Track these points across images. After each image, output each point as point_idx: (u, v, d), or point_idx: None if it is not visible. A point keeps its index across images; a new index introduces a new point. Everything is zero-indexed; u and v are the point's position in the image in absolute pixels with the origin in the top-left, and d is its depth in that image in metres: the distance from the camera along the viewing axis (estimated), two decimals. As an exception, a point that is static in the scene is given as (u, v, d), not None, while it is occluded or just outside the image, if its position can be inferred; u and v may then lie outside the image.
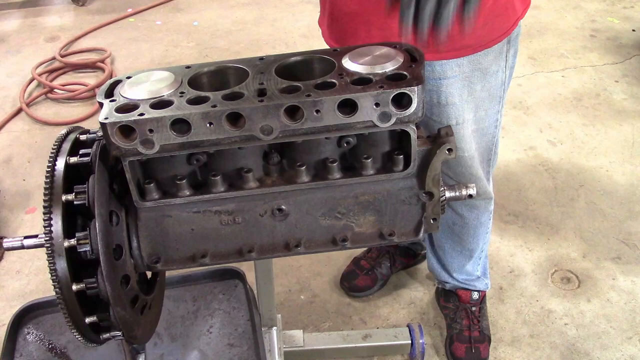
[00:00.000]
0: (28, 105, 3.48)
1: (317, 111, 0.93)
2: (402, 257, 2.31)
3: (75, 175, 1.00)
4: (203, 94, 0.97)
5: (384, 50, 1.03)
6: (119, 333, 1.01)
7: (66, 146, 1.02)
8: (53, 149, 1.01)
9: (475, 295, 2.11)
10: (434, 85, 1.56)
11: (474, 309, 2.11)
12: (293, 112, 0.94)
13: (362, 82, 0.96)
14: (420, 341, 1.99)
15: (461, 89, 1.55)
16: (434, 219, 1.09)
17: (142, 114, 0.92)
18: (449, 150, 1.02)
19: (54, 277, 0.94)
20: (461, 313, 2.11)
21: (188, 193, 1.04)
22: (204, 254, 1.07)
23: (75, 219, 1.00)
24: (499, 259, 2.41)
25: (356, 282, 2.28)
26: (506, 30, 1.53)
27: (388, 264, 2.28)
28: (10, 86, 3.71)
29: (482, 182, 1.78)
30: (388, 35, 1.44)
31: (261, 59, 1.06)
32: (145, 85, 0.99)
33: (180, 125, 0.93)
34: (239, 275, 1.74)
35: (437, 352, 2.09)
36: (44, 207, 0.95)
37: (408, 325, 2.04)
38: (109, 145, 0.94)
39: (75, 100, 3.55)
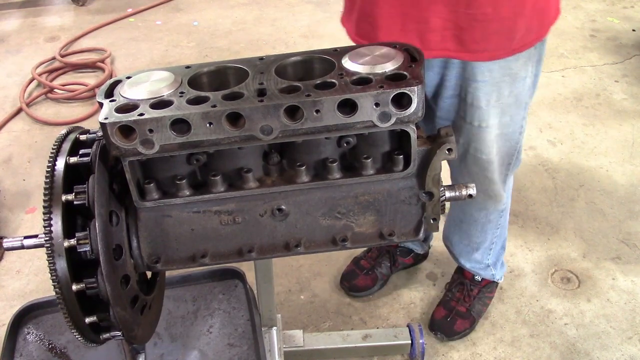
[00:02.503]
0: (28, 105, 3.48)
1: (317, 111, 0.93)
2: (403, 257, 2.31)
3: (75, 175, 1.00)
4: (203, 94, 0.97)
5: (384, 50, 1.03)
6: (119, 333, 1.01)
7: (66, 146, 1.02)
8: (53, 149, 1.01)
9: (478, 278, 2.14)
10: (462, 83, 1.56)
11: (472, 287, 2.14)
12: (293, 112, 0.94)
13: (362, 82, 0.96)
14: (420, 341, 1.99)
15: (489, 94, 1.54)
16: (434, 219, 1.09)
17: (142, 114, 0.92)
18: (449, 150, 1.02)
19: (54, 277, 0.94)
20: (459, 286, 2.17)
21: (188, 193, 1.04)
22: (204, 254, 1.07)
23: (75, 219, 1.00)
24: (499, 259, 2.41)
25: (356, 282, 2.28)
26: (540, 35, 1.53)
27: (388, 264, 2.28)
28: (10, 86, 3.71)
29: (496, 185, 1.78)
30: (423, 29, 1.45)
31: (261, 59, 1.06)
32: (145, 85, 0.99)
33: (180, 125, 0.93)
34: (239, 275, 1.74)
35: (437, 352, 2.09)
36: (44, 207, 0.95)
37: (408, 325, 2.04)
38: (108, 145, 0.94)
39: (75, 100, 3.55)
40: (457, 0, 1.40)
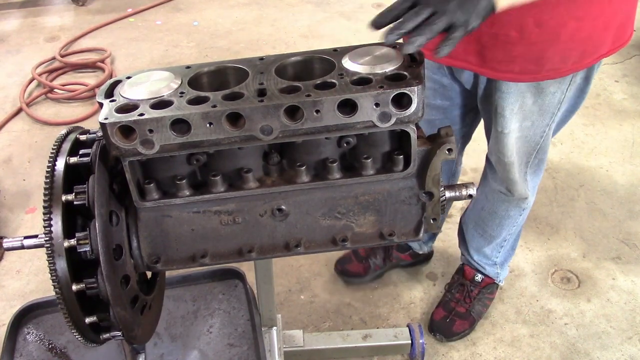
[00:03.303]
0: (28, 105, 3.48)
1: (317, 111, 0.93)
2: (399, 252, 2.31)
3: (75, 175, 1.00)
4: (203, 94, 0.97)
5: (384, 50, 1.03)
6: (119, 333, 1.01)
7: (66, 146, 1.02)
8: (53, 149, 1.01)
9: (479, 278, 2.14)
10: (487, 88, 1.56)
11: (472, 288, 2.15)
12: (293, 112, 0.94)
13: (362, 82, 0.96)
14: (420, 341, 1.99)
15: (513, 104, 1.53)
16: (434, 219, 1.09)
17: (142, 114, 0.92)
18: (449, 150, 1.02)
19: (54, 277, 0.94)
20: (459, 287, 2.17)
21: (188, 193, 1.04)
22: (204, 254, 1.07)
23: (75, 219, 1.00)
24: (499, 259, 2.41)
25: (348, 267, 2.30)
26: (580, 66, 1.45)
27: (382, 256, 2.30)
28: (10, 86, 3.71)
29: (518, 185, 1.79)
30: (469, 39, 1.34)
31: (261, 59, 1.06)
32: (145, 85, 0.99)
33: (180, 125, 0.93)
34: (239, 275, 1.74)
35: (437, 352, 2.09)
36: (44, 207, 0.95)
37: (408, 325, 2.04)
38: (109, 146, 0.94)
39: (75, 100, 3.55)
40: None
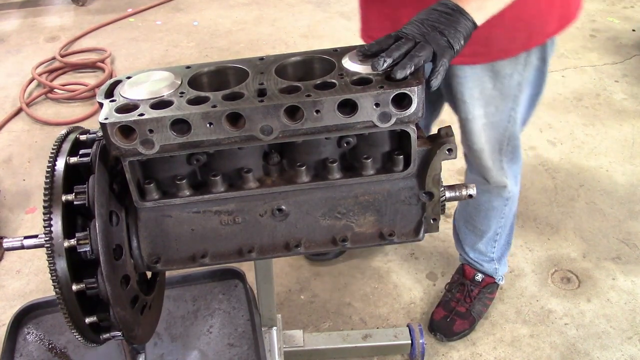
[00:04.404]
0: (28, 105, 3.48)
1: (317, 111, 0.93)
2: None
3: (75, 176, 1.00)
4: (203, 94, 0.97)
5: (384, 50, 1.03)
6: (119, 333, 1.02)
7: (66, 146, 1.02)
8: (53, 149, 1.01)
9: (479, 277, 2.15)
10: (445, 76, 1.57)
11: (472, 288, 2.15)
12: (293, 112, 0.94)
13: (362, 82, 0.96)
14: (420, 341, 1.99)
15: (472, 89, 1.57)
16: (434, 219, 1.09)
17: (142, 114, 0.92)
18: (449, 150, 1.03)
19: (54, 277, 0.94)
20: (459, 286, 2.17)
21: (188, 193, 1.04)
22: (204, 254, 1.07)
23: (75, 219, 1.00)
24: (499, 259, 2.42)
25: None
26: (528, 44, 1.51)
27: None
28: (10, 86, 3.71)
29: (492, 172, 1.82)
30: (398, 28, 1.45)
31: (261, 59, 1.06)
32: (145, 85, 0.99)
33: (180, 125, 0.93)
34: (239, 275, 1.74)
35: (437, 352, 2.09)
36: (44, 207, 0.95)
37: (408, 325, 2.04)
38: (109, 146, 0.94)
39: (75, 100, 3.55)
40: (425, 4, 1.39)
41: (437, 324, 2.12)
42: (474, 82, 1.55)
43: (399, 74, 0.95)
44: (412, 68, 0.96)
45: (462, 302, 2.14)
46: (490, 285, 2.17)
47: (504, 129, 1.69)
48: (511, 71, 1.55)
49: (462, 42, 1.04)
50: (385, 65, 0.96)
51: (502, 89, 1.58)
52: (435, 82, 1.00)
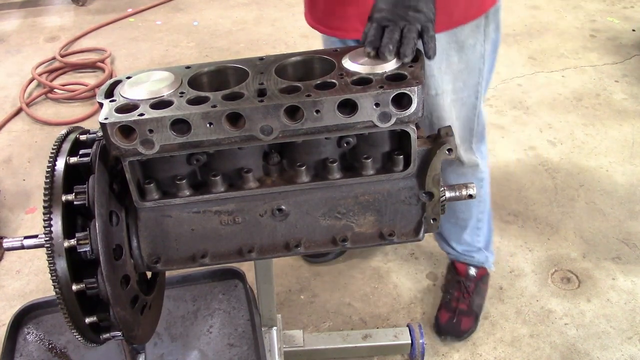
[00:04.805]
0: (28, 105, 3.48)
1: (317, 111, 0.93)
2: None
3: (75, 175, 1.00)
4: (203, 94, 0.97)
5: (384, 50, 1.03)
6: (119, 333, 1.01)
7: (66, 146, 1.02)
8: (53, 149, 1.01)
9: (472, 272, 2.17)
10: None
11: (468, 284, 2.17)
12: (293, 112, 0.94)
13: (362, 82, 0.96)
14: (420, 341, 1.99)
15: (439, 62, 1.60)
16: (434, 219, 1.09)
17: (142, 114, 0.92)
18: (449, 150, 1.03)
19: (54, 277, 0.94)
20: (455, 285, 2.19)
21: (188, 193, 1.04)
22: (204, 254, 1.07)
23: (75, 219, 1.00)
24: (499, 259, 2.41)
25: None
26: (484, 7, 1.57)
27: None
28: (10, 86, 3.71)
29: (460, 149, 1.83)
30: (363, 11, 1.49)
31: (261, 59, 1.06)
32: (145, 85, 0.99)
33: (180, 125, 0.93)
34: (239, 275, 1.74)
35: (437, 352, 2.09)
36: (44, 207, 0.95)
37: (408, 325, 2.04)
38: (109, 146, 0.94)
39: (75, 100, 3.55)
40: None
41: (445, 328, 2.12)
42: (440, 55, 1.57)
43: (409, 52, 1.00)
44: (412, 50, 1.01)
45: (462, 299, 2.15)
46: (484, 276, 2.20)
47: (473, 106, 1.73)
48: (474, 42, 1.59)
49: (434, 8, 1.10)
50: (394, 50, 1.01)
51: (468, 61, 1.62)
52: (433, 53, 1.06)
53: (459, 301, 2.15)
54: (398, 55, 1.01)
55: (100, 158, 0.98)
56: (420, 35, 1.05)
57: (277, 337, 1.81)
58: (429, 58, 1.06)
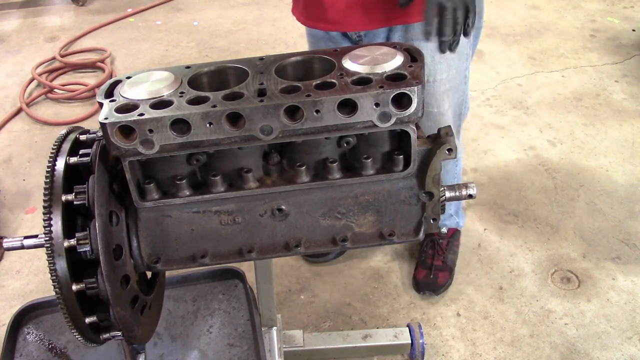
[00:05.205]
0: (28, 105, 3.48)
1: (317, 111, 0.93)
2: None
3: (75, 175, 1.00)
4: (203, 94, 0.97)
5: (384, 50, 1.03)
6: (119, 333, 1.02)
7: (66, 146, 1.02)
8: (53, 149, 1.01)
9: (444, 230, 2.32)
10: (409, 40, 1.68)
11: (441, 241, 2.32)
12: (293, 112, 0.94)
13: (362, 82, 0.96)
14: (420, 341, 1.99)
15: (433, 50, 1.62)
16: (434, 219, 1.09)
17: (142, 114, 0.92)
18: (449, 150, 1.03)
19: (54, 277, 0.94)
20: (429, 243, 2.33)
21: (188, 193, 1.04)
22: (204, 254, 1.07)
23: (75, 219, 1.00)
24: (499, 259, 2.41)
25: None
26: None
27: None
28: (10, 86, 3.71)
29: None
30: (367, 2, 1.58)
31: (261, 59, 1.06)
32: (145, 85, 0.99)
33: (180, 125, 0.93)
34: (239, 275, 1.74)
35: (437, 352, 2.09)
36: (44, 207, 0.95)
37: (408, 325, 2.04)
38: (109, 145, 0.94)
39: (75, 100, 3.55)
40: None
41: (423, 283, 2.26)
42: (434, 44, 1.60)
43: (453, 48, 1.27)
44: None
45: (436, 256, 2.29)
46: (455, 233, 2.36)
47: (462, 91, 1.81)
48: None
49: None
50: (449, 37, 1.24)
51: (459, 47, 1.67)
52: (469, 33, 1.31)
53: (434, 258, 2.29)
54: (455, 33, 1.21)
55: (100, 158, 0.98)
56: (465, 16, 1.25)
57: (277, 337, 1.81)
58: (467, 35, 1.29)
